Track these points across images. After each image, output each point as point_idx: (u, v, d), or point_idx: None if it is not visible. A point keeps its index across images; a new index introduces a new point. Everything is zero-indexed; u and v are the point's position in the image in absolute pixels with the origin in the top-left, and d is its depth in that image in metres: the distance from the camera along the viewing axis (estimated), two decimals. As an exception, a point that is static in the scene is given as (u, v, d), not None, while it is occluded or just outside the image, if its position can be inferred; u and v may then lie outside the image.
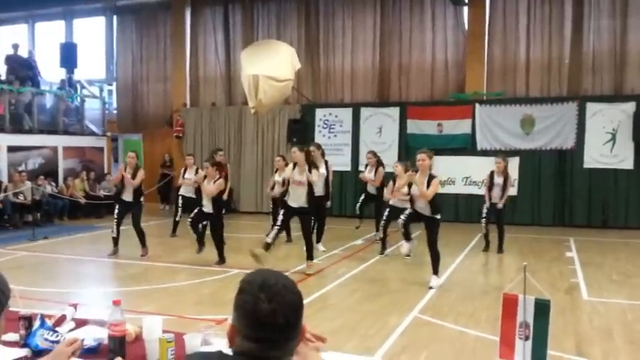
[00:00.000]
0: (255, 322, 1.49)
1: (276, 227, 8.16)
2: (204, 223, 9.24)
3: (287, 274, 6.28)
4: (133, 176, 9.29)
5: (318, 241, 9.76)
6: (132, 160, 9.46)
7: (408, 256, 8.06)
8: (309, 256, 8.29)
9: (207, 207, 8.78)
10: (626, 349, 5.12)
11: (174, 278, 7.91)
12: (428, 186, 7.33)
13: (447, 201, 13.39)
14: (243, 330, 1.52)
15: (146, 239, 9.48)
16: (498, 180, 9.83)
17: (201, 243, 9.00)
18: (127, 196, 9.40)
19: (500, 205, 9.81)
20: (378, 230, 9.91)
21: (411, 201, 7.64)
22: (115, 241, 9.45)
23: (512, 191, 13.31)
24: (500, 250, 9.86)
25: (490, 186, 9.91)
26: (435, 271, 7.46)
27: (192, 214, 8.94)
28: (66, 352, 2.13)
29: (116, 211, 9.45)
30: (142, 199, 9.78)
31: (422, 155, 7.56)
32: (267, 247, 7.96)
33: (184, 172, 11.18)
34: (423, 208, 7.45)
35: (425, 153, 7.62)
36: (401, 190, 8.56)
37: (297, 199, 8.14)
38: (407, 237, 7.80)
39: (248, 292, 1.53)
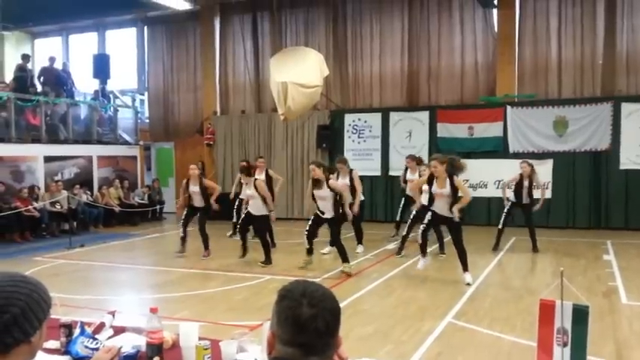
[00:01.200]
0: (296, 326, 1.52)
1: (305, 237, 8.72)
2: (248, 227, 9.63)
3: (319, 280, 6.24)
4: (203, 190, 9.89)
5: (359, 243, 10.34)
6: (194, 172, 9.93)
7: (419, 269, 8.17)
8: (344, 259, 8.47)
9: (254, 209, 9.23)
10: (668, 354, 4.99)
11: (207, 285, 7.98)
12: (453, 189, 7.68)
13: (479, 204, 13.30)
14: (283, 336, 1.54)
15: (209, 242, 10.04)
16: (525, 183, 10.09)
17: (244, 248, 9.45)
18: (197, 203, 10.00)
19: (537, 207, 10.13)
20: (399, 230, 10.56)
21: (430, 200, 7.91)
22: (183, 240, 10.03)
23: (547, 194, 13.19)
24: (535, 248, 10.09)
25: (520, 188, 10.11)
26: (466, 268, 7.77)
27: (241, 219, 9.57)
28: (105, 358, 2.17)
29: (184, 212, 10.13)
30: (210, 203, 10.14)
31: (433, 162, 7.90)
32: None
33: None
34: (442, 208, 7.75)
35: (436, 160, 7.89)
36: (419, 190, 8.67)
37: (324, 209, 8.51)
38: (423, 250, 8.08)
39: (290, 298, 1.55)
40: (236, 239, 10.44)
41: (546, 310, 2.37)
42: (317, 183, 8.46)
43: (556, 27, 13.82)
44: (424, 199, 8.41)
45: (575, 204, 13.23)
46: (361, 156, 15.08)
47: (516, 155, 13.24)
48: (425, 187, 8.15)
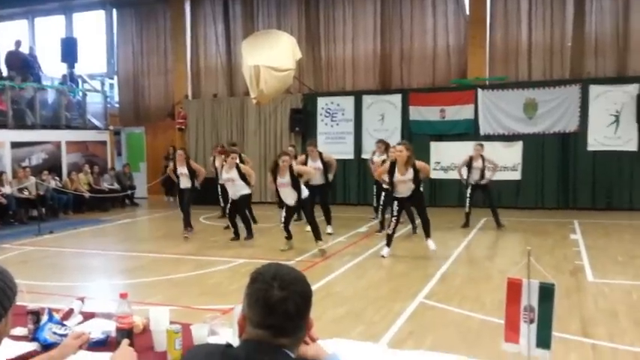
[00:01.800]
0: (266, 308, 1.52)
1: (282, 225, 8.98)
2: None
3: (292, 263, 6.25)
4: (191, 172, 10.34)
5: (328, 224, 10.52)
6: (181, 157, 10.44)
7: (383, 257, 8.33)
8: (318, 237, 8.75)
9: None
10: (632, 329, 5.14)
11: (179, 269, 7.94)
12: (415, 173, 8.00)
13: (450, 186, 13.47)
14: (254, 318, 1.55)
15: (190, 220, 10.53)
16: (477, 164, 10.67)
17: (236, 232, 9.84)
18: (184, 184, 10.46)
19: (484, 181, 10.71)
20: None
21: (391, 185, 8.18)
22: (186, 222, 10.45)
23: (516, 175, 13.44)
24: (499, 225, 10.56)
25: (469, 168, 10.73)
26: (429, 235, 8.30)
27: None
28: (73, 345, 2.15)
29: (177, 199, 10.76)
30: (196, 184, 10.52)
31: (399, 147, 8.15)
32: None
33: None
34: (406, 191, 8.13)
35: (403, 145, 8.16)
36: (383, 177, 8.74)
37: (286, 197, 8.76)
38: (390, 240, 8.34)
39: (261, 281, 1.56)
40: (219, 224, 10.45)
41: (513, 289, 2.41)
42: (278, 171, 8.64)
43: (527, 10, 13.91)
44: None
45: (543, 185, 13.46)
46: (334, 139, 15.09)
47: (487, 137, 13.40)
48: (386, 177, 8.32)
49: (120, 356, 2.04)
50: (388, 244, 8.35)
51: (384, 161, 9.69)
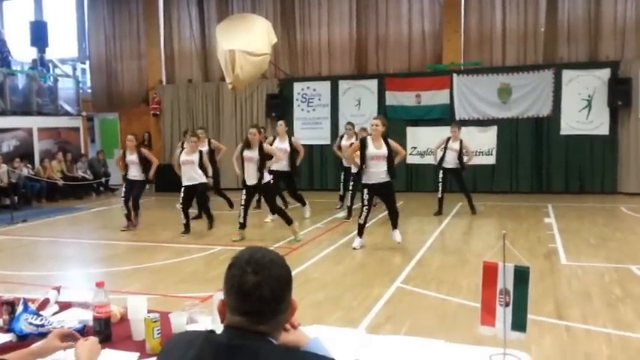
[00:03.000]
0: (241, 294, 1.51)
1: (241, 207, 8.75)
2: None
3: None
4: (143, 160, 9.84)
5: (303, 205, 10.58)
6: (131, 143, 9.84)
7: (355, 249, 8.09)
8: (288, 222, 8.65)
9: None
10: (604, 310, 5.25)
11: (156, 257, 7.89)
12: (389, 148, 7.77)
13: (426, 171, 13.55)
14: (231, 304, 1.54)
15: (138, 214, 10.14)
16: (453, 145, 10.60)
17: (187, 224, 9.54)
18: (134, 173, 9.90)
19: (455, 166, 10.63)
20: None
21: (362, 165, 7.85)
22: (128, 216, 9.96)
23: (490, 160, 13.58)
24: (473, 211, 10.60)
25: (445, 149, 10.61)
26: (395, 226, 8.09)
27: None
28: (57, 346, 2.11)
29: (123, 189, 10.01)
30: (149, 176, 10.14)
31: (376, 121, 7.96)
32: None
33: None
34: (378, 172, 7.79)
35: (379, 119, 8.00)
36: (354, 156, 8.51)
37: (248, 174, 8.62)
38: (361, 230, 8.08)
39: (236, 266, 1.55)
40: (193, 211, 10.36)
41: (489, 272, 2.44)
42: (248, 144, 8.57)
43: (501, -5, 14.00)
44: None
45: (517, 169, 13.63)
46: (311, 125, 15.08)
47: (463, 122, 13.45)
48: (358, 159, 8.07)
49: (83, 348, 2.02)
50: (360, 234, 8.08)
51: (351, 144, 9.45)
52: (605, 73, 12.87)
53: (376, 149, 7.77)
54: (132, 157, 9.84)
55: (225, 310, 1.57)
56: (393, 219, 8.11)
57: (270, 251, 1.61)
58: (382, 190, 8.04)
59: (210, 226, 9.69)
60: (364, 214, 7.96)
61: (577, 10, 13.53)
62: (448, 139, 10.70)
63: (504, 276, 2.40)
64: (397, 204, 8.30)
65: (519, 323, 2.39)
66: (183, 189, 9.37)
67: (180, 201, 9.37)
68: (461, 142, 10.66)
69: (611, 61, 13.01)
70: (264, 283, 1.51)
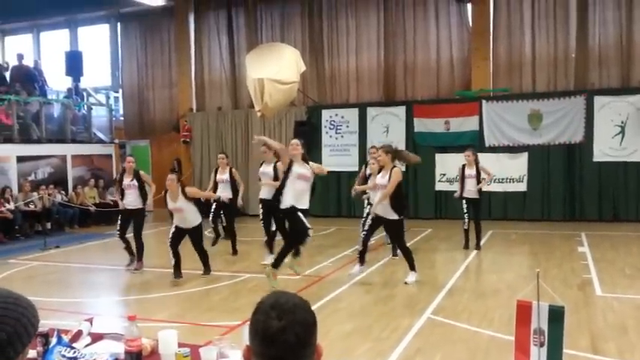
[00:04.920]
0: (265, 340, 1.50)
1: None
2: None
3: (298, 277, 6.14)
4: (140, 183, 8.82)
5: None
6: (130, 165, 8.85)
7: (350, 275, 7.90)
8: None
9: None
10: (642, 345, 5.09)
11: (185, 285, 7.92)
12: (389, 179, 7.40)
13: (455, 199, 13.38)
14: (256, 349, 1.53)
15: (143, 253, 8.95)
16: (470, 172, 9.94)
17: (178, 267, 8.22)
18: (131, 200, 8.80)
19: (475, 194, 9.85)
20: None
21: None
22: (128, 250, 9.06)
23: (522, 187, 13.40)
24: (478, 246, 9.85)
25: (462, 178, 9.98)
26: (412, 267, 7.61)
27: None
28: None
29: (118, 223, 8.95)
30: (147, 203, 9.20)
31: (378, 152, 7.76)
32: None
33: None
34: (383, 207, 7.43)
35: (382, 149, 7.71)
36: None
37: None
38: (362, 257, 7.84)
39: (260, 311, 1.55)
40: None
41: (523, 311, 2.40)
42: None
43: (529, 21, 13.95)
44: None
45: (549, 196, 13.41)
46: (339, 152, 15.12)
47: (492, 149, 13.42)
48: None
49: None
50: (361, 262, 7.83)
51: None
52: (638, 99, 12.68)
53: (381, 177, 7.57)
54: (128, 181, 8.78)
55: (250, 357, 1.56)
56: (406, 258, 7.67)
57: (294, 295, 1.60)
58: (385, 224, 7.74)
59: (206, 271, 8.39)
60: (362, 237, 7.94)
61: (608, 35, 13.40)
62: (464, 167, 10.06)
63: (539, 315, 2.35)
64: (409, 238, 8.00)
65: (555, 363, 2.34)
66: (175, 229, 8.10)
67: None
68: (477, 165, 9.96)
69: (644, 87, 12.84)
70: (289, 328, 1.50)
